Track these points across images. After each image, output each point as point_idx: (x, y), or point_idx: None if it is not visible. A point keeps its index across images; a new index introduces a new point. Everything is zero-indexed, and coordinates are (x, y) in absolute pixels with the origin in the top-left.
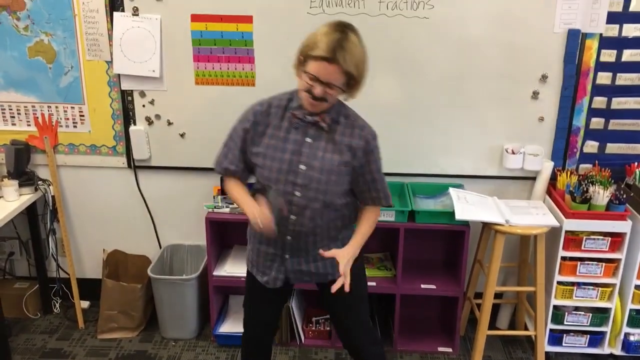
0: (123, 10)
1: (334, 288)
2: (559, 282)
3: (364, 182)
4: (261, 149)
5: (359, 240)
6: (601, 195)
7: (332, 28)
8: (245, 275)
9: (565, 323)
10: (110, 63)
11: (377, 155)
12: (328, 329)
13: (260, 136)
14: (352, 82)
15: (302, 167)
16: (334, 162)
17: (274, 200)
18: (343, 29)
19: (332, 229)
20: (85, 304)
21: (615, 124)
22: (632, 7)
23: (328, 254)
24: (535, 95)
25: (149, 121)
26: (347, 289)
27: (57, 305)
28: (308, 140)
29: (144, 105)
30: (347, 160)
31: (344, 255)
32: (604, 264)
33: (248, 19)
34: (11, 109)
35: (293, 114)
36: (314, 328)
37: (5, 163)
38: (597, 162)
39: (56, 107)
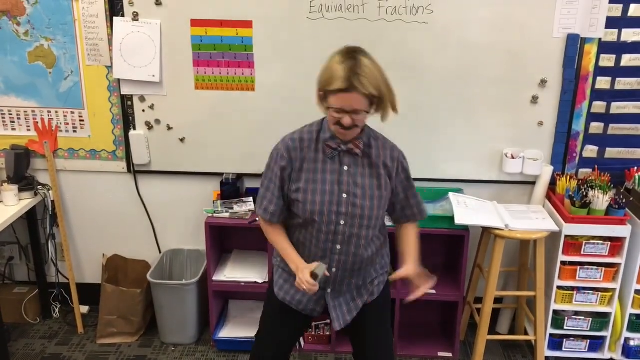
0: (123, 15)
1: (410, 299)
2: (558, 287)
3: (399, 201)
4: (301, 184)
5: (416, 255)
6: (601, 200)
7: (342, 57)
8: (245, 281)
9: (565, 328)
10: (110, 68)
11: (409, 173)
12: (328, 333)
13: (298, 172)
14: (377, 101)
15: (345, 195)
16: (374, 187)
17: (319, 270)
18: (353, 55)
19: (372, 255)
20: (84, 309)
21: (614, 129)
22: (631, 12)
23: (397, 277)
24: (534, 99)
25: (149, 126)
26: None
27: (57, 310)
28: (345, 168)
29: (143, 110)
30: (386, 182)
31: (413, 270)
32: (603, 268)
33: (248, 24)
34: (11, 114)
35: (327, 145)
36: (313, 333)
37: (5, 168)
38: (596, 166)
39: (56, 112)
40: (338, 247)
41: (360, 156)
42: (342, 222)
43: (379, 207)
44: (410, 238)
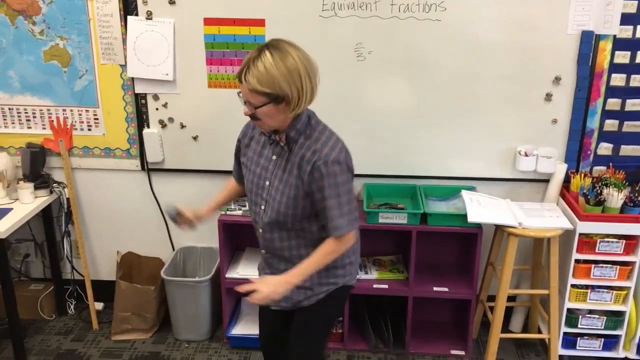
0: (137, 15)
1: (242, 289)
2: (572, 285)
3: (319, 210)
4: (244, 159)
5: (298, 269)
6: (615, 198)
7: (255, 48)
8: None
9: (579, 326)
10: (124, 67)
11: (328, 182)
12: (340, 331)
13: (246, 147)
14: (276, 98)
15: (267, 183)
16: (287, 184)
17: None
18: (262, 48)
19: (302, 256)
20: (99, 305)
21: (629, 126)
22: None
23: (242, 289)
24: (548, 97)
25: (162, 124)
26: (248, 298)
27: (72, 307)
28: (274, 157)
29: (157, 109)
30: (297, 183)
31: (265, 281)
32: (618, 266)
33: (260, 22)
34: (27, 113)
35: (263, 132)
36: None
37: (21, 166)
38: (611, 164)
39: (71, 110)
40: (260, 230)
41: (286, 150)
42: (262, 207)
43: (287, 206)
44: (314, 252)
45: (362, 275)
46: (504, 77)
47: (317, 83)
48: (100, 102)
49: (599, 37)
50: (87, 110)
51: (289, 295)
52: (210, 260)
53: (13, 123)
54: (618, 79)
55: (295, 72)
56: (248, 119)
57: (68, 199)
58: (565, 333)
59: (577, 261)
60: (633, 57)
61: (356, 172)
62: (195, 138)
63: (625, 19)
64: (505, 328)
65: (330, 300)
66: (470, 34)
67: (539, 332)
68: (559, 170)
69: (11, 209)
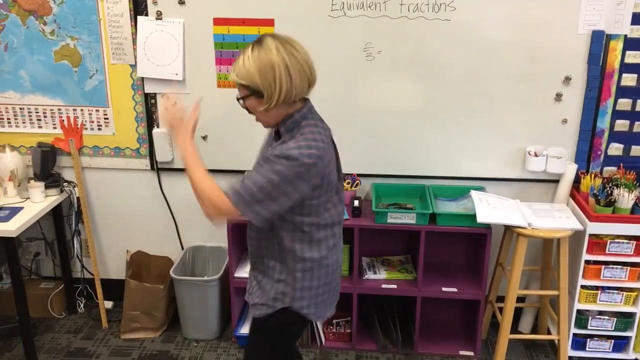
0: (147, 15)
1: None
2: (582, 286)
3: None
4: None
5: (192, 151)
6: (626, 199)
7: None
8: None
9: (589, 327)
10: (134, 66)
11: (269, 166)
12: (348, 331)
13: (266, 137)
14: (255, 92)
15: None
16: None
17: None
18: (251, 44)
19: (269, 267)
20: (109, 304)
21: None
22: None
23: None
24: (558, 97)
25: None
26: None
27: (82, 305)
28: (269, 150)
29: (166, 108)
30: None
31: (182, 121)
32: (628, 268)
33: (269, 22)
34: (37, 112)
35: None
36: (334, 330)
37: (32, 165)
38: (621, 164)
39: (81, 110)
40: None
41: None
42: None
43: None
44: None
45: (370, 275)
46: (513, 77)
47: (300, 81)
48: (110, 102)
49: (609, 37)
50: (97, 110)
51: (252, 289)
52: (219, 259)
53: (24, 122)
54: (629, 79)
55: (269, 67)
56: None
57: (78, 198)
58: (574, 334)
59: (587, 262)
60: None
61: (365, 172)
62: (204, 138)
63: (637, 19)
64: (515, 329)
65: (274, 320)
66: (479, 33)
67: (549, 333)
68: (569, 170)
69: (22, 207)
